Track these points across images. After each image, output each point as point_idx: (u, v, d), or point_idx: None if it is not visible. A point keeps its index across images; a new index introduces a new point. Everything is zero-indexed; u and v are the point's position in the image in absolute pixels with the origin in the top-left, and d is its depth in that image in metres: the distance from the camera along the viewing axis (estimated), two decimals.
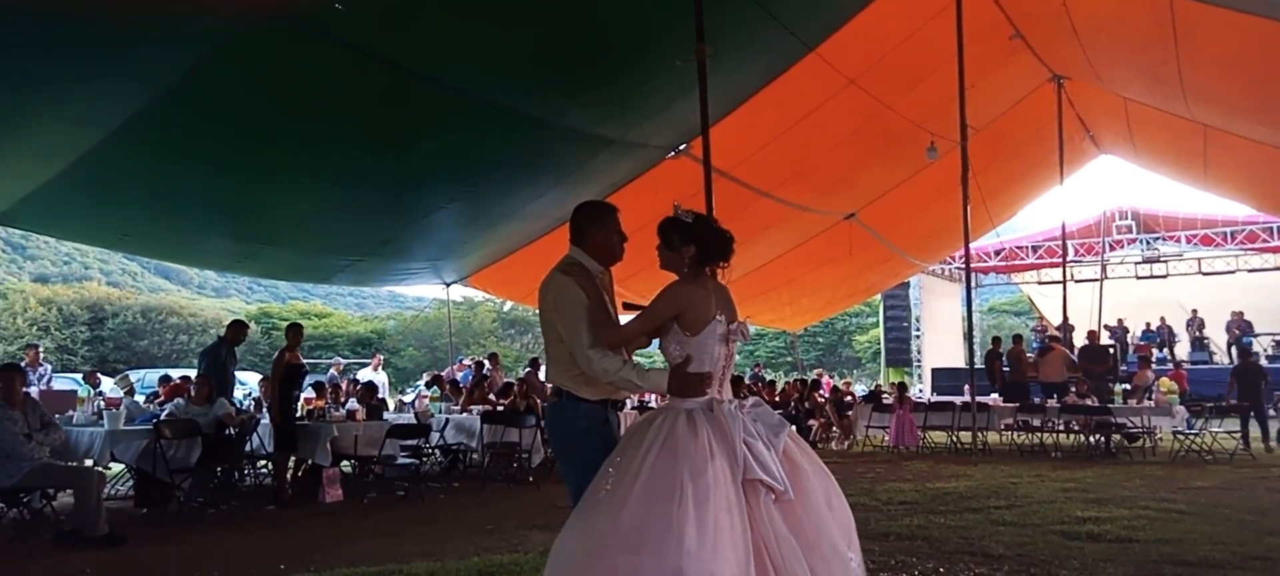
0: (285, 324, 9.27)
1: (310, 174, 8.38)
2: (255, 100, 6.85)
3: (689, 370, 3.10)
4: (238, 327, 9.73)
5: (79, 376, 17.39)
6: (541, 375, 11.96)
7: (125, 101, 6.33)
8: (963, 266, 18.41)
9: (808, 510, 2.97)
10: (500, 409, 10.45)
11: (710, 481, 2.79)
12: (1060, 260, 18.81)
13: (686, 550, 2.64)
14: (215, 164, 7.76)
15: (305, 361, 9.17)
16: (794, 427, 3.36)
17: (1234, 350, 21.31)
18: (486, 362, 14.25)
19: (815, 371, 23.97)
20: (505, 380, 13.83)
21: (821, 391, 17.14)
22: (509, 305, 39.67)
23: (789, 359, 40.10)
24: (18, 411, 6.32)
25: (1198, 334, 23.64)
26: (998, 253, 26.94)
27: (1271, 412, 13.98)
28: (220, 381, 8.96)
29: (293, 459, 8.83)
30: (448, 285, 13.86)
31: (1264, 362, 21.39)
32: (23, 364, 10.38)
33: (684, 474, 2.80)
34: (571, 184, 9.81)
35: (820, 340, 49.24)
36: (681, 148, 10.12)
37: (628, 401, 3.71)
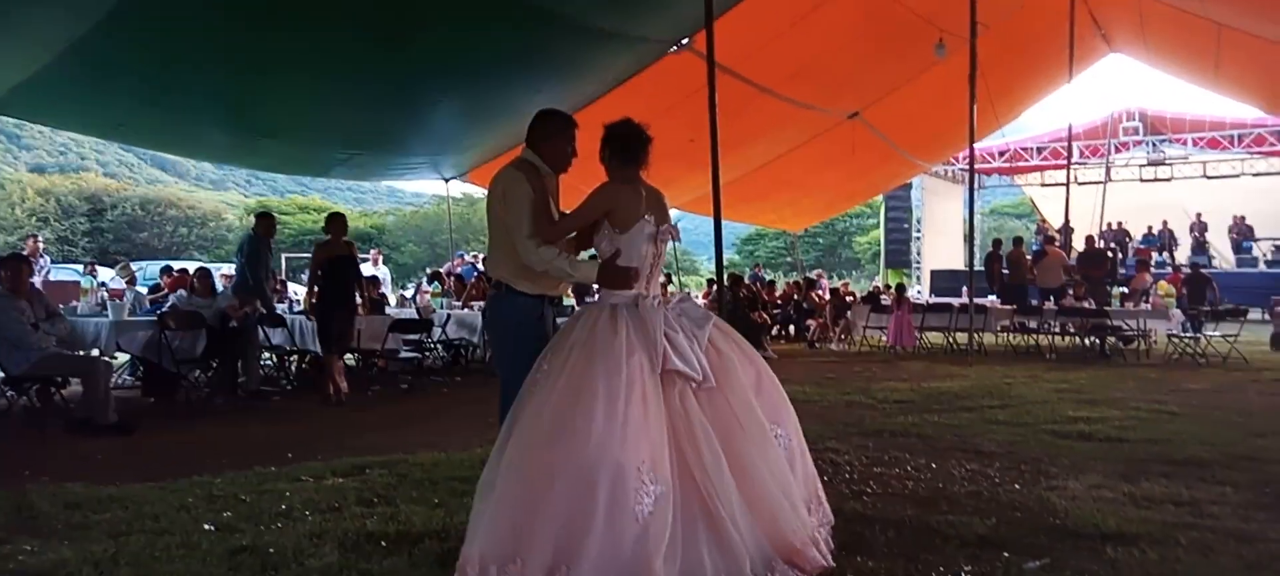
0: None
1: (307, 65, 8.22)
2: None
3: (618, 263, 3.33)
4: (266, 220, 9.25)
5: (80, 267, 17.45)
6: None
7: None
8: (966, 167, 18.27)
9: (734, 393, 3.20)
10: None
11: (624, 379, 2.99)
12: (1065, 162, 18.65)
13: (596, 442, 2.86)
14: (209, 53, 7.60)
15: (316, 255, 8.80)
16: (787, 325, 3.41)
17: (1186, 254, 21.38)
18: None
19: (815, 272, 24.05)
20: None
21: (820, 290, 17.23)
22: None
23: (789, 259, 40.19)
24: (24, 301, 6.37)
25: (1199, 238, 23.64)
26: (1002, 153, 26.72)
27: (1267, 318, 14.20)
28: (259, 277, 8.76)
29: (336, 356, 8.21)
30: (447, 180, 13.77)
31: (1264, 267, 21.55)
32: (23, 252, 10.39)
33: (597, 372, 3.01)
34: (571, 79, 9.64)
35: (820, 241, 49.25)
36: (684, 42, 9.91)
37: (566, 300, 3.97)
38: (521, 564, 2.82)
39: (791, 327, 16.64)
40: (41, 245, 13.24)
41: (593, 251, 3.59)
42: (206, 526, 3.81)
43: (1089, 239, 16.39)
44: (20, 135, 60.71)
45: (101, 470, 5.04)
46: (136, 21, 6.64)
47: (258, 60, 7.95)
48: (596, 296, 3.51)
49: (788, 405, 3.46)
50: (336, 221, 8.41)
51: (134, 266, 15.56)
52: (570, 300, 9.31)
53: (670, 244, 3.55)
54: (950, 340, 13.23)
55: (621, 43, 9.18)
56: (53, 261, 17.12)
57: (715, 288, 8.15)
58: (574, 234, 3.54)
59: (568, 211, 3.59)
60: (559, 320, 3.69)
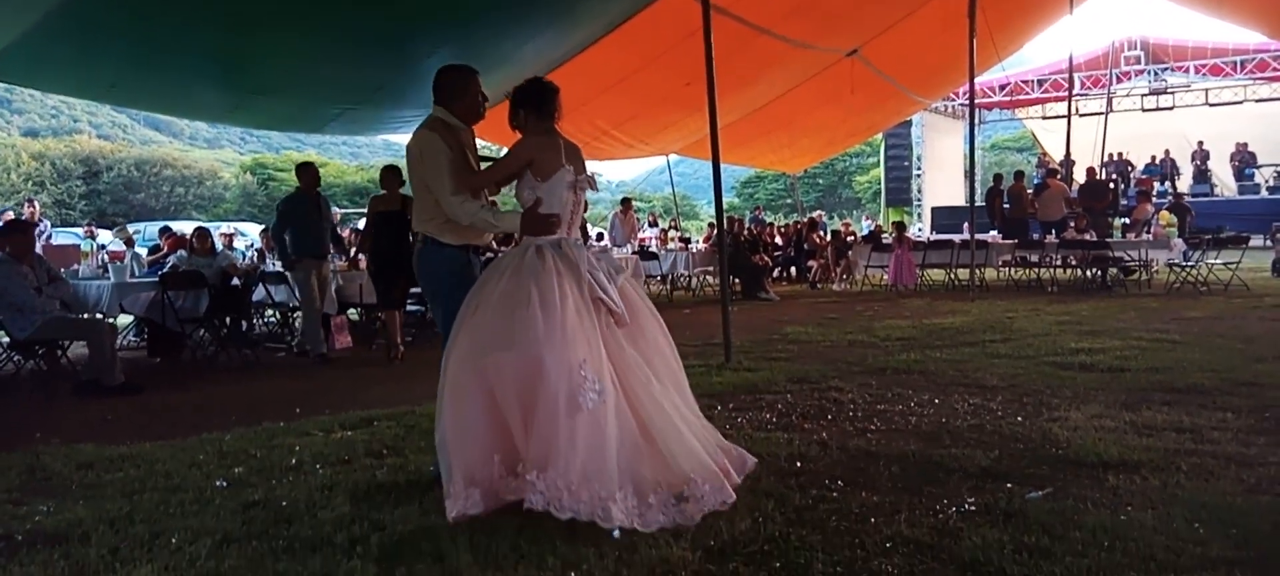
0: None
1: (298, 20, 8.11)
2: None
3: (540, 211, 3.51)
4: (308, 172, 8.35)
5: (79, 231, 17.42)
6: None
7: None
8: (966, 103, 18.12)
9: (646, 334, 3.52)
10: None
11: (557, 293, 3.25)
12: (1066, 94, 18.47)
13: (538, 339, 3.13)
14: (199, 11, 7.49)
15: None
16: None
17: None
18: None
19: (816, 212, 23.99)
20: None
21: (820, 231, 17.22)
22: (504, 152, 39.32)
23: (789, 201, 40.08)
24: (26, 266, 6.37)
25: (1200, 166, 23.52)
26: (1002, 87, 26.46)
27: (1269, 245, 14.22)
28: (312, 236, 7.94)
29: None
30: None
31: (1265, 194, 21.49)
32: (22, 217, 10.37)
33: (531, 286, 3.27)
34: (566, 25, 9.50)
35: (820, 182, 49.08)
36: None
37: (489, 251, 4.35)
38: (498, 458, 3.14)
39: (793, 269, 16.65)
40: (39, 210, 13.19)
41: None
42: (218, 482, 3.85)
43: (1090, 171, 16.30)
44: (11, 99, 60.26)
45: (111, 430, 5.09)
46: None
47: (248, 16, 7.84)
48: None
49: (680, 361, 3.67)
50: (390, 174, 8.12)
51: (132, 228, 15.53)
52: None
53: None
54: (952, 276, 13.24)
55: None
56: (51, 225, 17.09)
57: (716, 231, 8.15)
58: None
59: (491, 160, 3.90)
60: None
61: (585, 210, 3.99)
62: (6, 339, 6.61)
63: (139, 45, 8.01)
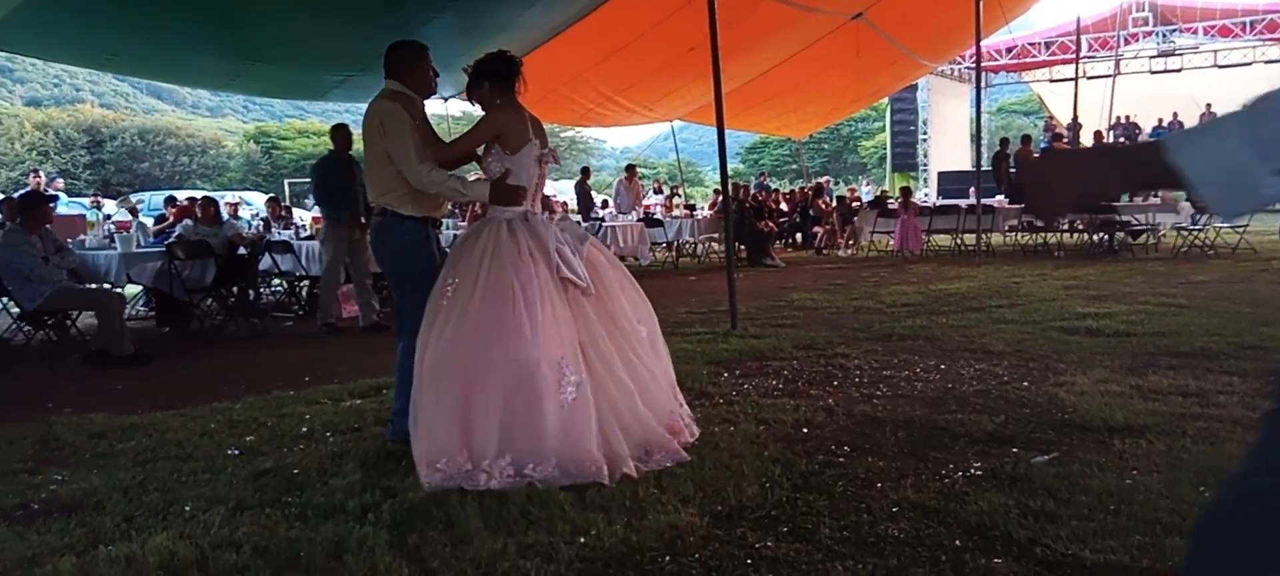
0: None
1: None
2: None
3: (508, 183, 3.60)
4: (341, 134, 8.11)
5: (85, 201, 17.43)
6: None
7: None
8: (973, 66, 17.97)
9: (610, 298, 3.61)
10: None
11: (536, 285, 3.36)
12: (1073, 57, 18.31)
13: (526, 340, 3.26)
14: None
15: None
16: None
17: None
18: None
19: (821, 178, 23.89)
20: None
21: (825, 197, 17.15)
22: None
23: (794, 166, 39.91)
24: (35, 237, 6.39)
25: None
26: (1009, 50, 26.21)
27: (1277, 208, 14.13)
28: (343, 199, 7.73)
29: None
30: (445, 99, 13.60)
31: None
32: (33, 188, 10.37)
33: (513, 280, 3.36)
34: None
35: (826, 147, 48.79)
36: None
37: (444, 222, 4.36)
38: (467, 452, 3.24)
39: (799, 235, 16.62)
40: (45, 181, 13.19)
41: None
42: (230, 451, 3.89)
43: (1097, 134, 16.20)
44: (13, 68, 60.06)
45: (122, 400, 5.13)
46: None
47: None
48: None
49: (648, 305, 3.80)
50: None
51: (135, 198, 15.52)
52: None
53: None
54: (958, 242, 13.21)
55: None
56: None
57: (721, 198, 8.12)
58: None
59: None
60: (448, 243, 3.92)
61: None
62: (16, 310, 6.65)
63: (138, 11, 7.95)
